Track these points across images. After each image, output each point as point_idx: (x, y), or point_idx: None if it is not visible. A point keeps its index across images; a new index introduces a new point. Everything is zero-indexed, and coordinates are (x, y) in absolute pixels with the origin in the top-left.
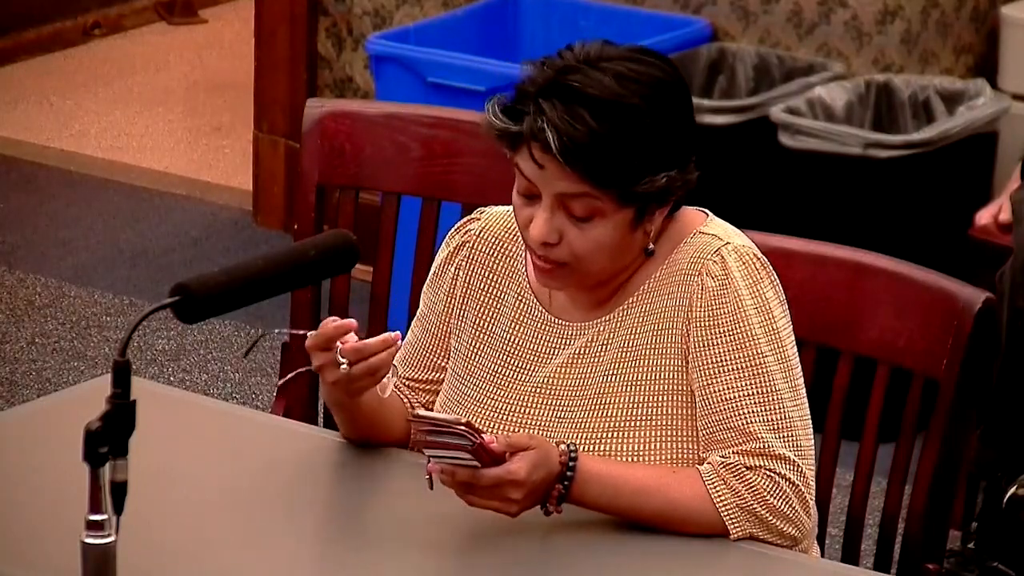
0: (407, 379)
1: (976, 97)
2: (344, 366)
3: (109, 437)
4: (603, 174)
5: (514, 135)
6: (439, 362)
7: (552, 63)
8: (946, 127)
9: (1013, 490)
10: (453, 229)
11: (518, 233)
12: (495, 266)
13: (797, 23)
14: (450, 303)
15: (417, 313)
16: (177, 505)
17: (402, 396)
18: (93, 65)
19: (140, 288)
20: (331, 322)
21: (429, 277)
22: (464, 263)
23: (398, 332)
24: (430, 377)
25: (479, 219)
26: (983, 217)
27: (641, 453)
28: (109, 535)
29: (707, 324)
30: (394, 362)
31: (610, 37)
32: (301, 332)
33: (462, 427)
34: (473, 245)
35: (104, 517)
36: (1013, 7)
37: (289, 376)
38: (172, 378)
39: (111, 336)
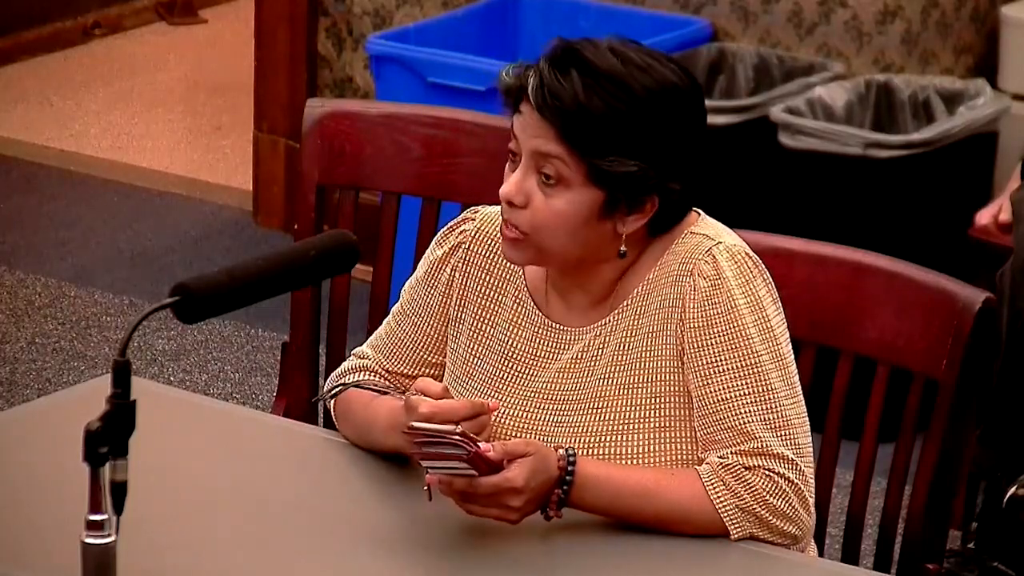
0: (389, 371)
1: (976, 97)
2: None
3: (109, 437)
4: (574, 133)
5: (511, 89)
6: (429, 358)
7: (575, 39)
8: (946, 127)
9: (1013, 490)
10: (447, 228)
11: None
12: (492, 268)
13: (797, 23)
14: (446, 303)
15: (398, 307)
16: (177, 505)
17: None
18: (93, 65)
19: (140, 288)
20: (433, 387)
21: (419, 275)
22: (460, 264)
23: (496, 402)
24: (416, 372)
25: (473, 219)
26: (983, 217)
27: (640, 455)
28: (109, 535)
29: (701, 325)
30: (368, 349)
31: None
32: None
33: (457, 436)
34: (469, 246)
35: (104, 517)
36: (1013, 7)
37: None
38: (172, 378)
39: (111, 336)
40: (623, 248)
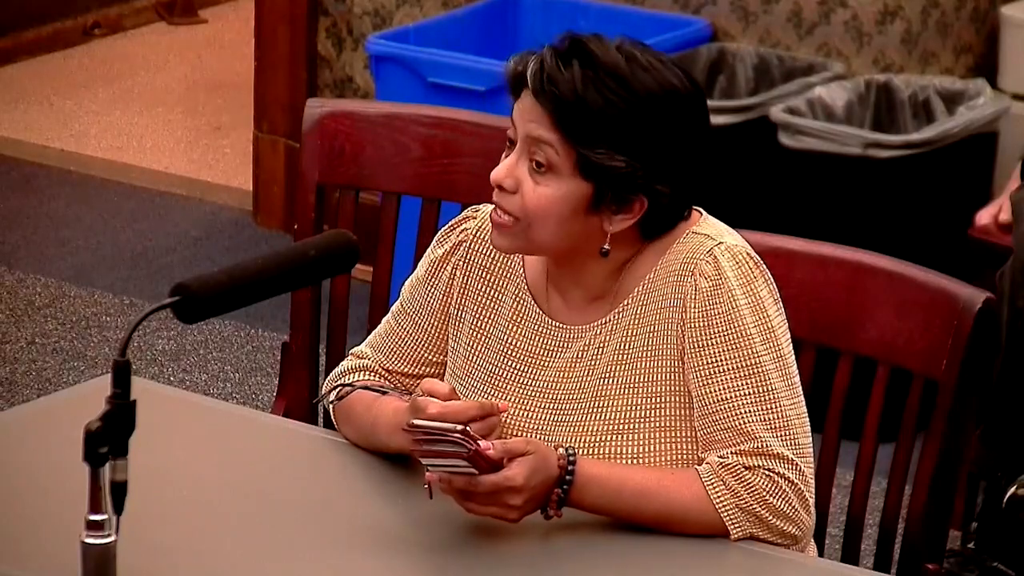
0: (388, 371)
1: (976, 97)
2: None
3: (109, 437)
4: (568, 121)
5: (513, 75)
6: (429, 357)
7: (586, 33)
8: (946, 127)
9: (1013, 490)
10: (447, 227)
11: None
12: (492, 266)
13: (797, 23)
14: (447, 302)
15: (398, 306)
16: (177, 505)
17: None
18: (93, 65)
19: (140, 288)
20: (440, 387)
21: (420, 274)
22: (461, 262)
23: (506, 404)
24: (417, 372)
25: (475, 217)
26: (983, 217)
27: (640, 455)
28: (109, 535)
29: (702, 325)
30: (366, 348)
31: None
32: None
33: (458, 434)
34: (470, 245)
35: (104, 517)
36: (1013, 7)
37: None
38: (172, 378)
39: (111, 336)
40: (606, 246)
